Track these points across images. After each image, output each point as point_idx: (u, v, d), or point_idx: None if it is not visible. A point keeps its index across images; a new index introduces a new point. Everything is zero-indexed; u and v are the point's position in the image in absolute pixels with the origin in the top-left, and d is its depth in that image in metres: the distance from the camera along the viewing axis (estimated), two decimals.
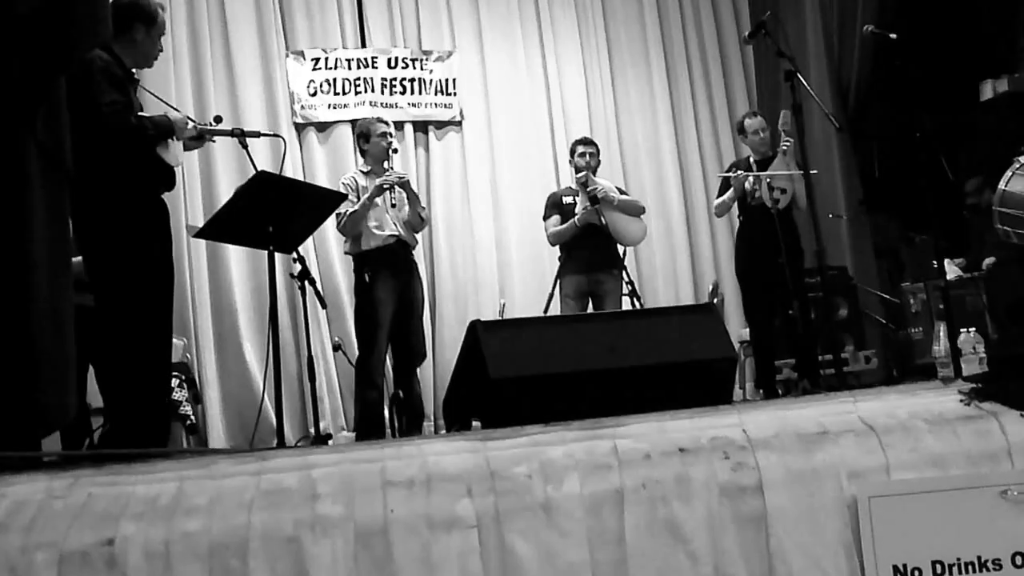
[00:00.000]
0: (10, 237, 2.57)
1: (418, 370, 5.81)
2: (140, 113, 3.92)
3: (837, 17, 8.06)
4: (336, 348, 6.74)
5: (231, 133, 4.60)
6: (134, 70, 4.06)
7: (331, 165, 7.60)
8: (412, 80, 7.92)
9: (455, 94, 8.04)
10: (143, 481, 2.10)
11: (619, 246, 6.20)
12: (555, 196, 6.44)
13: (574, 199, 6.23)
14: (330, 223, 5.49)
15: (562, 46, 8.47)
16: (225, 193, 6.53)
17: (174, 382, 5.61)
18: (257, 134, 4.92)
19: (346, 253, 5.87)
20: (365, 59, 7.81)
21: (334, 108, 7.70)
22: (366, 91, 7.78)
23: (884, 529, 2.14)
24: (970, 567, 2.16)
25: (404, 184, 5.66)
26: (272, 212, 4.32)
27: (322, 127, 7.70)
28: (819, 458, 2.21)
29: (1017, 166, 4.74)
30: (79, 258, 3.73)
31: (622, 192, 6.40)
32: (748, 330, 6.52)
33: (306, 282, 5.16)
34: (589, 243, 6.07)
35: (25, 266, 2.58)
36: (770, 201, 5.79)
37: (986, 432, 2.28)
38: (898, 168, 7.62)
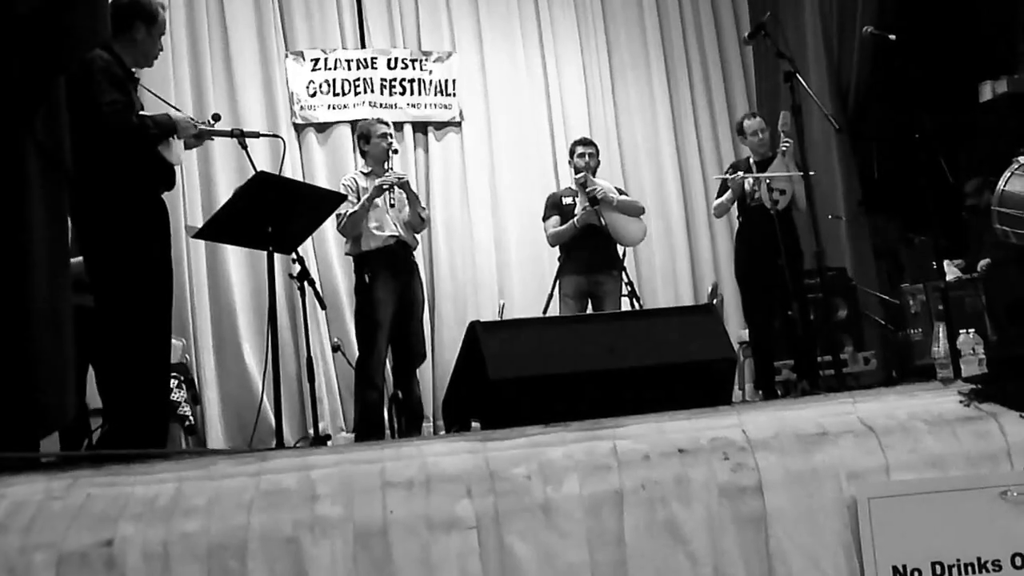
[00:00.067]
0: (9, 237, 2.57)
1: (417, 371, 5.81)
2: (141, 112, 3.92)
3: (837, 18, 8.06)
4: (335, 349, 6.73)
5: (230, 134, 4.60)
6: (134, 69, 4.06)
7: (330, 166, 7.60)
8: (412, 81, 7.92)
9: (455, 95, 8.04)
10: (142, 482, 2.10)
11: (619, 247, 6.20)
12: (554, 197, 6.43)
13: (573, 200, 6.23)
14: (329, 224, 5.49)
15: (562, 47, 8.47)
16: (224, 194, 6.53)
17: (173, 383, 5.60)
18: (256, 135, 4.92)
19: (346, 254, 5.88)
20: (365, 60, 7.81)
21: (333, 109, 7.70)
22: (365, 92, 7.77)
23: (883, 530, 2.14)
24: (969, 568, 2.16)
25: (403, 185, 5.67)
26: (271, 213, 4.32)
27: (321, 128, 7.70)
28: (818, 459, 2.21)
29: (1016, 166, 4.74)
30: (79, 259, 3.73)
31: (622, 192, 6.40)
32: (747, 331, 6.52)
33: (305, 283, 5.16)
34: (588, 244, 6.07)
35: (24, 266, 2.58)
36: (769, 202, 5.79)
37: (985, 433, 2.28)
38: (897, 169, 7.62)
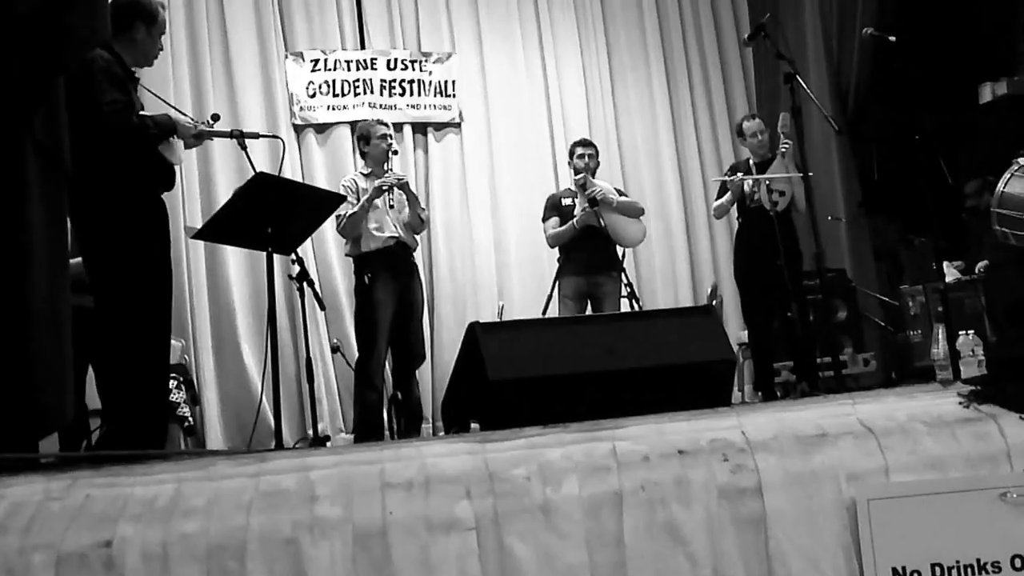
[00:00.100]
0: (8, 238, 2.56)
1: (417, 372, 5.81)
2: (141, 112, 3.92)
3: (837, 19, 8.06)
4: (335, 350, 6.73)
5: (230, 135, 4.60)
6: (134, 69, 4.06)
7: (330, 166, 7.60)
8: (411, 82, 7.92)
9: (454, 96, 8.04)
10: (141, 483, 2.10)
11: (618, 248, 6.20)
12: (554, 198, 6.43)
13: (573, 201, 6.23)
14: (329, 224, 5.49)
15: (561, 48, 8.47)
16: (224, 194, 6.53)
17: (172, 383, 5.60)
18: (256, 135, 4.93)
19: (346, 255, 5.88)
20: (364, 61, 7.82)
21: (333, 109, 7.70)
22: (365, 92, 7.78)
23: (883, 531, 2.14)
24: (969, 570, 2.16)
25: (403, 185, 5.67)
26: (271, 213, 4.32)
27: (321, 128, 7.70)
28: (818, 460, 2.20)
29: (1015, 168, 4.74)
30: (78, 259, 3.73)
31: (621, 194, 6.40)
32: (747, 332, 6.52)
33: (305, 284, 5.16)
34: (588, 245, 6.07)
35: (23, 266, 2.58)
36: (769, 204, 5.80)
37: (985, 435, 2.28)
38: (897, 170, 7.62)
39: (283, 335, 6.86)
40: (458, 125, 8.06)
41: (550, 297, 6.12)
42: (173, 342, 5.25)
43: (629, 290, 5.93)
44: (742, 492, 2.15)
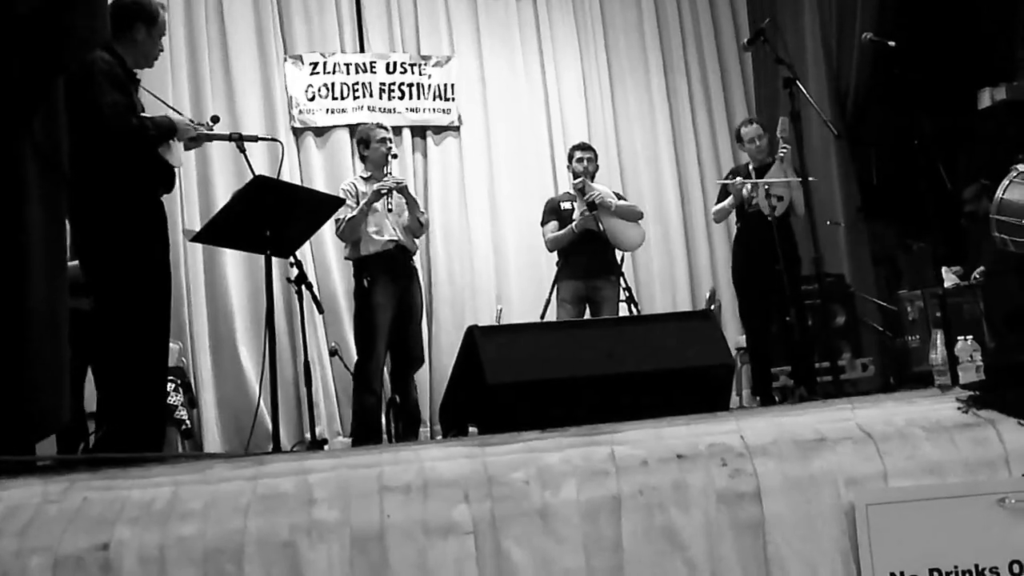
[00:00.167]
0: (6, 240, 2.56)
1: (415, 375, 5.80)
2: (142, 114, 3.91)
3: (836, 24, 8.06)
4: (333, 353, 6.73)
5: (229, 138, 4.61)
6: (135, 70, 4.06)
7: (329, 170, 7.60)
8: (410, 85, 7.92)
9: (453, 99, 8.04)
10: (138, 486, 2.10)
11: (617, 252, 6.20)
12: (553, 202, 6.43)
13: (572, 205, 6.23)
14: (327, 227, 5.49)
15: (561, 52, 8.47)
16: (222, 197, 6.53)
17: (169, 386, 5.60)
18: (255, 138, 4.93)
19: (346, 258, 5.87)
20: (363, 64, 7.82)
21: (332, 113, 7.70)
22: (364, 96, 7.78)
23: (881, 536, 2.13)
24: (967, 575, 2.16)
25: (402, 189, 5.67)
26: (269, 216, 4.32)
27: (320, 132, 7.70)
28: (817, 465, 2.20)
29: (1014, 174, 4.73)
30: (75, 262, 3.72)
31: (620, 198, 6.39)
32: (745, 337, 6.51)
33: (303, 287, 5.15)
34: (587, 249, 6.06)
35: (21, 269, 2.58)
36: (767, 208, 5.79)
37: (983, 440, 2.28)
38: (896, 175, 7.62)
39: (281, 338, 6.86)
40: (457, 129, 8.06)
41: (548, 301, 6.11)
42: (171, 344, 5.24)
43: (628, 294, 5.93)
44: (741, 497, 2.15)
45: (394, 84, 7.88)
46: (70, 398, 2.80)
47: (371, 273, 5.51)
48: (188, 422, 6.16)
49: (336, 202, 5.01)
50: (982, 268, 6.45)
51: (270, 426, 4.78)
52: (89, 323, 3.70)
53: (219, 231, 4.59)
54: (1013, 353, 4.56)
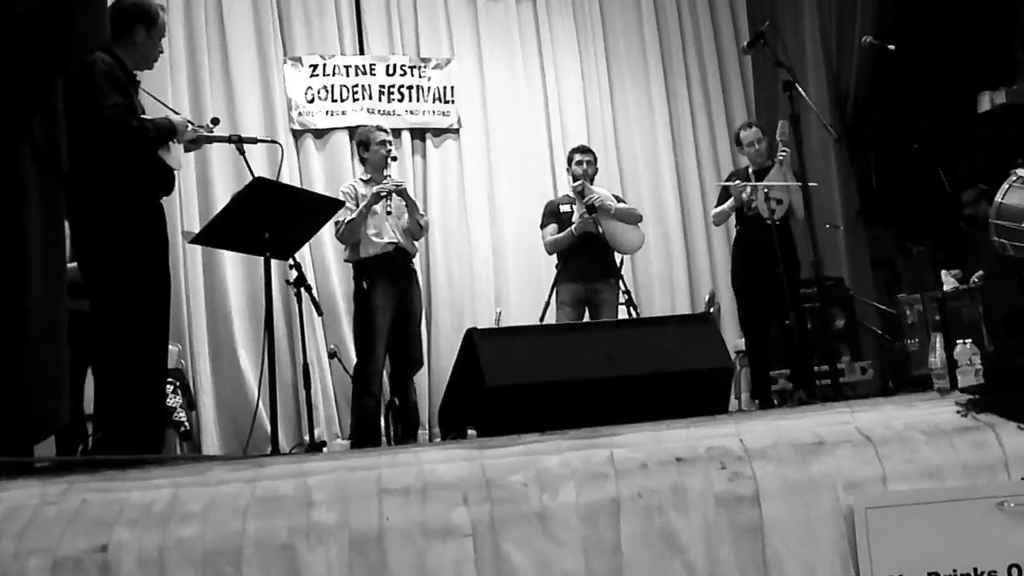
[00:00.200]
0: (5, 241, 2.56)
1: (414, 378, 5.80)
2: (142, 116, 3.91)
3: (836, 27, 8.07)
4: (332, 355, 6.73)
5: (228, 139, 4.61)
6: (135, 72, 4.06)
7: (328, 172, 7.60)
8: (410, 87, 7.93)
9: (453, 102, 8.05)
10: (137, 487, 2.09)
11: (616, 255, 6.20)
12: (552, 204, 6.44)
13: (571, 207, 6.23)
14: (327, 230, 5.49)
15: (560, 55, 8.48)
16: (221, 199, 6.54)
17: (168, 388, 5.60)
18: (254, 140, 4.93)
19: (345, 261, 5.87)
20: (363, 66, 7.82)
21: (331, 115, 7.71)
22: (364, 98, 7.78)
23: (880, 540, 2.13)
24: None
25: (401, 191, 5.66)
26: (269, 218, 4.31)
27: (319, 134, 7.70)
28: (816, 468, 2.20)
29: (1014, 179, 4.74)
30: (74, 264, 3.72)
31: (619, 200, 6.40)
32: (744, 340, 6.51)
33: (302, 289, 5.15)
34: (586, 252, 6.06)
35: (20, 270, 2.57)
36: (767, 211, 5.79)
37: (983, 443, 2.28)
38: (895, 179, 7.63)
39: (280, 340, 6.87)
40: (457, 131, 8.06)
41: (548, 304, 6.12)
42: (170, 347, 5.25)
43: (627, 297, 5.93)
44: (739, 500, 2.15)
45: (394, 86, 7.88)
46: (69, 400, 2.80)
47: (370, 275, 5.51)
48: (187, 424, 6.16)
49: (335, 204, 5.01)
50: (981, 272, 6.46)
51: (269, 428, 4.79)
52: (88, 325, 3.69)
53: (218, 233, 4.59)
54: (1012, 357, 4.57)
